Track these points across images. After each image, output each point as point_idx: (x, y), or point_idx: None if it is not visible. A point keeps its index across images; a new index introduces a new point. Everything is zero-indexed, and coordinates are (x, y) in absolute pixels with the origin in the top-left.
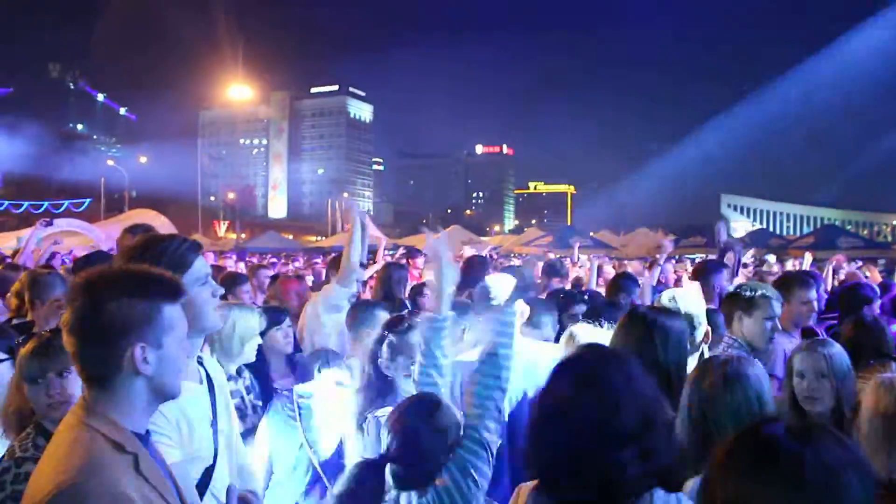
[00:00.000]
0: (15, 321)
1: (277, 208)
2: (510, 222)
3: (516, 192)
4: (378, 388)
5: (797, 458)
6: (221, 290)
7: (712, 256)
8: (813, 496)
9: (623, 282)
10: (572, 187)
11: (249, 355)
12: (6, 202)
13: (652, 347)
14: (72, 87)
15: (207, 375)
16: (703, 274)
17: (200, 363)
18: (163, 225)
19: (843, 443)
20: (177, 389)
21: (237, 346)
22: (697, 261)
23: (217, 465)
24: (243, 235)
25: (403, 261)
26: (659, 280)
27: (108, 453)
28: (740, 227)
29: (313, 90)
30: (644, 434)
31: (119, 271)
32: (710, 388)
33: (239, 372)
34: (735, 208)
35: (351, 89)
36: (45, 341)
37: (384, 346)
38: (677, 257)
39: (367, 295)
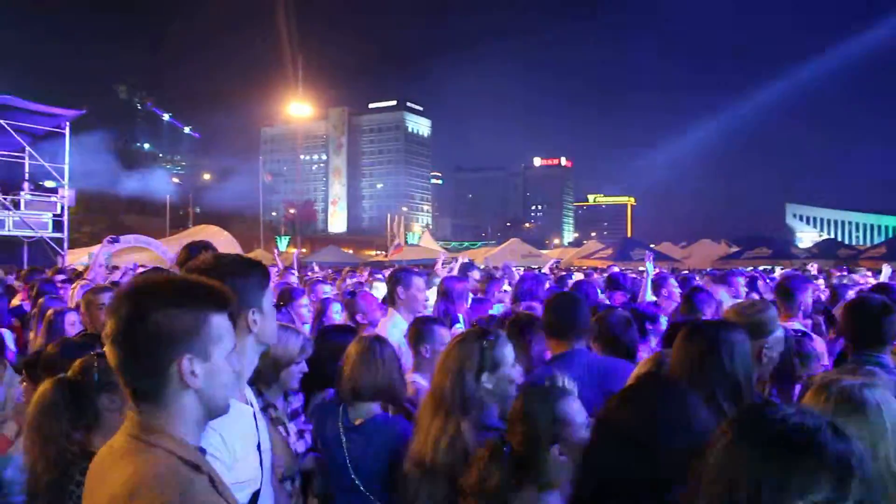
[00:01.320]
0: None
1: (337, 223)
2: (569, 235)
3: (575, 204)
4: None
5: (812, 433)
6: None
7: (779, 268)
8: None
9: (700, 297)
10: (632, 199)
11: (286, 383)
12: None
13: (719, 360)
14: (139, 107)
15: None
16: (786, 290)
17: None
18: (226, 240)
19: (848, 440)
20: (225, 405)
21: (270, 373)
22: (778, 275)
23: (262, 490)
24: (304, 250)
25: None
26: (730, 293)
27: (191, 474)
28: (807, 237)
29: (371, 105)
30: (693, 462)
31: (164, 280)
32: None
33: (286, 395)
34: (801, 218)
35: (409, 104)
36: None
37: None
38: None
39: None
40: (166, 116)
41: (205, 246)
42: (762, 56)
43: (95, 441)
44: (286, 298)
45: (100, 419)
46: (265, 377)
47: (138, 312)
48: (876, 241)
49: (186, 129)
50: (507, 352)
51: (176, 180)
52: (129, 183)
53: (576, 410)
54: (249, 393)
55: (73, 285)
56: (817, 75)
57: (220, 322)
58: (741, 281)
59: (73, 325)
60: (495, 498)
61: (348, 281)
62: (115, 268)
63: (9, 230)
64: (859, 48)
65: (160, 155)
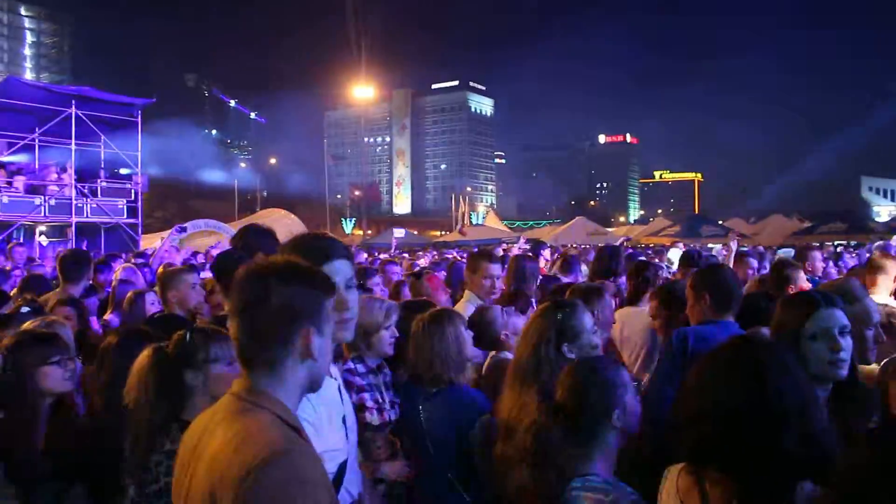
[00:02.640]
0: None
1: (402, 204)
2: (635, 212)
3: (641, 181)
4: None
5: None
6: None
7: (854, 242)
8: None
9: (789, 272)
10: (699, 175)
11: (380, 349)
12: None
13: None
14: (206, 94)
15: None
16: (880, 265)
17: None
18: (293, 223)
19: None
20: (322, 380)
21: (361, 341)
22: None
23: (348, 460)
24: (370, 232)
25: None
26: (806, 269)
27: (295, 435)
28: (884, 211)
29: (434, 86)
30: (801, 419)
31: (285, 261)
32: None
33: (380, 367)
34: (877, 191)
35: (471, 84)
36: (210, 330)
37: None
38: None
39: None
40: (232, 102)
41: (263, 231)
42: (832, 30)
43: (183, 415)
44: (360, 277)
45: (186, 395)
46: (356, 345)
47: (265, 288)
48: None
49: (252, 115)
50: (586, 319)
51: (243, 165)
52: (198, 168)
53: (627, 378)
54: (334, 369)
55: (118, 267)
56: (889, 43)
57: (329, 304)
58: (818, 255)
59: (153, 304)
60: (545, 460)
61: (420, 262)
62: (196, 253)
63: (87, 217)
64: None
65: (227, 141)
